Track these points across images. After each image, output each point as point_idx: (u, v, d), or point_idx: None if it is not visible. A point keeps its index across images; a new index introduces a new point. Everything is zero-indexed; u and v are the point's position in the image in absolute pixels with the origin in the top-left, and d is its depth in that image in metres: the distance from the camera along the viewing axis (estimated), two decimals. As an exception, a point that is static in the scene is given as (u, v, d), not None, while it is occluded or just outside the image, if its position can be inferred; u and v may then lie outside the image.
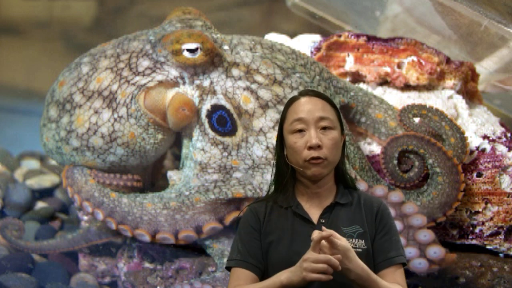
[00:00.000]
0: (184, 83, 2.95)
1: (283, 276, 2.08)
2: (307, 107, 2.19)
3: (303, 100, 2.21)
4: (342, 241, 2.05)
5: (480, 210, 2.99)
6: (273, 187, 2.29)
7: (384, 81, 3.25)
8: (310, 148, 2.16)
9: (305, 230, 2.17)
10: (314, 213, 2.21)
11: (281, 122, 2.24)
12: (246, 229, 2.23)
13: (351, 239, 2.16)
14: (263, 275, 2.20)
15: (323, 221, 2.18)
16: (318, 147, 2.16)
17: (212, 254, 2.88)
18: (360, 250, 2.16)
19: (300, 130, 2.18)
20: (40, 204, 3.58)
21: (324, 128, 2.18)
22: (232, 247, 2.25)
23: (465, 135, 2.95)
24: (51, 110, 3.00)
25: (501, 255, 3.03)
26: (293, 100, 2.23)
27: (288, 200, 2.23)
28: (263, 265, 2.20)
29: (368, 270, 2.08)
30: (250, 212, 2.24)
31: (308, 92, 2.23)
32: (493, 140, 3.06)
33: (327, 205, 2.21)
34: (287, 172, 2.23)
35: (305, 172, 2.19)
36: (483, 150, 3.04)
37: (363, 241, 2.18)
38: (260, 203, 2.26)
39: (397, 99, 3.18)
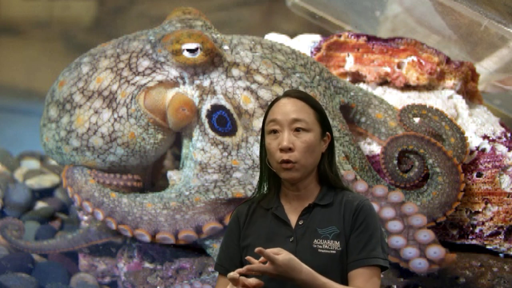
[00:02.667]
0: (184, 83, 2.95)
1: None
2: (283, 109, 2.16)
3: (283, 101, 2.18)
4: (280, 254, 1.99)
5: (480, 210, 2.99)
6: (263, 188, 2.26)
7: (384, 81, 3.25)
8: (281, 150, 2.13)
9: (282, 232, 2.15)
10: (293, 215, 2.18)
11: (263, 122, 2.22)
12: (227, 233, 2.23)
13: (325, 241, 2.12)
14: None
15: (301, 223, 2.15)
16: (289, 149, 2.12)
17: (212, 254, 2.88)
18: (334, 252, 2.11)
19: (275, 131, 2.15)
20: (40, 204, 3.58)
21: (298, 129, 2.14)
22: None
23: (465, 135, 2.95)
24: (51, 110, 3.00)
25: (501, 255, 3.02)
26: (275, 101, 2.21)
27: (270, 202, 2.21)
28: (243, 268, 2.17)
29: (315, 274, 2.03)
30: (234, 216, 2.24)
31: (290, 93, 2.20)
32: (493, 140, 3.06)
33: (306, 206, 2.18)
34: (268, 173, 2.21)
35: (280, 174, 2.16)
36: (483, 150, 3.04)
37: (338, 242, 2.12)
38: (245, 204, 2.25)
39: (397, 99, 3.18)
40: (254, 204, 2.23)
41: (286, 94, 2.20)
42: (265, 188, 2.25)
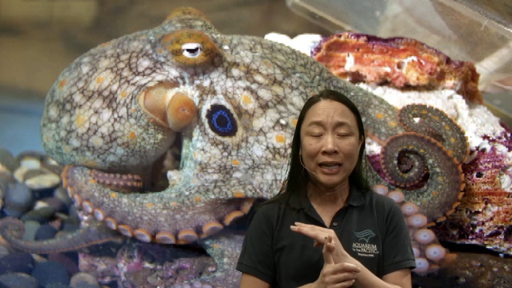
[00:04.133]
0: (184, 83, 2.95)
1: None
2: (327, 111, 2.15)
3: (324, 102, 2.17)
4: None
5: (480, 210, 2.99)
6: (285, 186, 2.26)
7: (384, 81, 3.25)
8: (324, 152, 2.13)
9: None
10: (326, 216, 2.19)
11: (299, 122, 2.20)
12: (257, 234, 2.20)
13: (363, 244, 2.15)
14: (274, 281, 2.19)
15: (336, 225, 2.17)
16: (334, 152, 2.13)
17: (212, 254, 2.88)
18: (372, 255, 2.16)
19: (317, 133, 2.15)
20: (40, 204, 3.58)
21: (342, 134, 2.15)
22: (242, 248, 2.24)
23: (465, 135, 2.95)
24: (51, 110, 3.00)
25: (501, 255, 3.02)
26: (313, 101, 2.19)
27: (300, 202, 2.20)
28: (274, 271, 2.19)
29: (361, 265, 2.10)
30: (262, 216, 2.21)
31: (329, 95, 2.19)
32: (493, 140, 3.06)
33: (340, 208, 2.19)
34: (301, 173, 2.20)
35: (317, 177, 2.16)
36: (483, 150, 3.04)
37: (375, 246, 2.17)
38: (272, 205, 2.23)
39: (397, 99, 3.18)
40: (282, 205, 2.21)
41: (326, 96, 2.19)
42: (283, 188, 2.27)
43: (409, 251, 2.20)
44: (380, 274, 2.16)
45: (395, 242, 2.18)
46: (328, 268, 2.02)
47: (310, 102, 2.20)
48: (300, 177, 2.21)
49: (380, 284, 2.10)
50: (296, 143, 2.21)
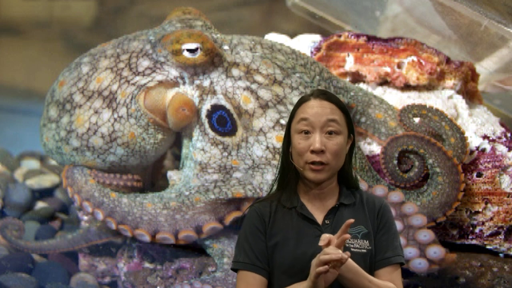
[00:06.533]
0: (184, 83, 2.95)
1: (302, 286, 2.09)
2: (316, 109, 2.19)
3: (313, 101, 2.21)
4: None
5: (480, 210, 2.99)
6: (275, 185, 2.29)
7: (384, 81, 3.25)
8: (312, 152, 2.16)
9: (311, 231, 2.18)
10: (318, 214, 2.21)
11: (290, 120, 2.24)
12: (251, 231, 2.22)
13: (355, 240, 2.18)
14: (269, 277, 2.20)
15: (328, 222, 2.19)
16: (321, 151, 2.16)
17: (212, 254, 2.88)
18: (364, 251, 2.18)
19: (306, 132, 2.18)
20: (40, 204, 3.58)
21: (330, 132, 2.18)
22: (237, 248, 2.25)
23: (465, 135, 2.95)
24: (51, 110, 3.00)
25: (501, 255, 3.03)
26: (303, 100, 2.23)
27: (291, 200, 2.23)
28: (270, 266, 2.20)
29: (355, 265, 2.11)
30: (255, 213, 2.24)
31: (319, 95, 2.22)
32: (493, 140, 3.06)
33: (331, 206, 2.22)
34: (291, 170, 2.23)
35: (306, 174, 2.19)
36: (483, 150, 3.04)
37: (367, 241, 2.19)
38: (264, 203, 2.26)
39: (397, 99, 3.18)
40: (274, 202, 2.24)
41: (316, 95, 2.22)
42: (275, 186, 2.29)
43: (399, 248, 2.23)
44: (372, 269, 2.19)
45: (386, 239, 2.21)
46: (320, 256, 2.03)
47: (300, 101, 2.24)
48: (290, 174, 2.24)
49: (370, 280, 2.12)
50: (287, 140, 2.24)
